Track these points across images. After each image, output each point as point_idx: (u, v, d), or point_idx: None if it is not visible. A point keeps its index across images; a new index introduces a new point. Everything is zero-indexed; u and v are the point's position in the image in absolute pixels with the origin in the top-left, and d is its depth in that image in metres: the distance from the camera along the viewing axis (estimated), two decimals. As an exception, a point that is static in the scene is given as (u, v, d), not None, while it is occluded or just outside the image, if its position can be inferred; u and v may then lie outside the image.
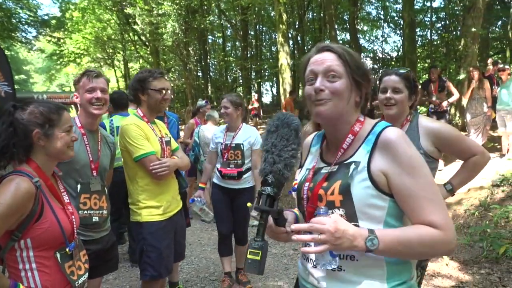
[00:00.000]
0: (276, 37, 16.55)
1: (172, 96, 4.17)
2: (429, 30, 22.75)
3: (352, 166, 1.42)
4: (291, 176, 1.48)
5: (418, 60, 19.71)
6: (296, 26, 24.69)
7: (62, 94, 20.38)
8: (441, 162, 7.30)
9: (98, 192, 2.74)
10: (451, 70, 15.50)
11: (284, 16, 15.55)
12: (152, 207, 3.01)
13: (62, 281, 1.93)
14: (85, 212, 2.61)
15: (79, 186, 2.63)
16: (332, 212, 1.41)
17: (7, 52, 26.26)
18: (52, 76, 43.96)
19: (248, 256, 1.38)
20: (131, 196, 3.07)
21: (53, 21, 26.82)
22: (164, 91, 3.08)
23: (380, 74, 2.74)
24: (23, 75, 47.34)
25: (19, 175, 1.83)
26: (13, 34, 23.70)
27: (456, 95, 8.17)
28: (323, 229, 1.27)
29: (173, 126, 4.43)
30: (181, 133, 7.94)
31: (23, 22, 24.80)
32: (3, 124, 1.89)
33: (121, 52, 29.38)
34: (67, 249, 1.94)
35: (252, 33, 27.45)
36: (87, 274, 2.12)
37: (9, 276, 1.87)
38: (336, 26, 20.34)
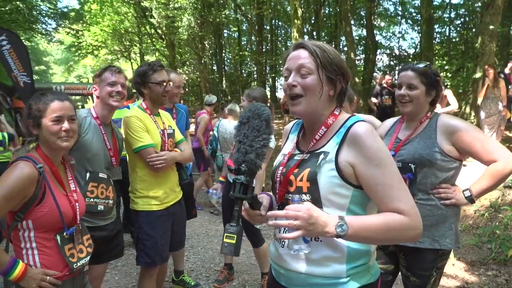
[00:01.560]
0: (291, 32, 16.47)
1: (182, 91, 4.20)
2: (447, 27, 22.40)
3: (321, 156, 1.54)
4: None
5: (436, 58, 19.45)
6: (312, 22, 24.55)
7: (79, 85, 20.69)
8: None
9: (105, 182, 2.83)
10: (469, 68, 15.24)
11: (300, 11, 15.47)
12: (149, 197, 3.09)
13: (61, 262, 2.01)
14: (91, 200, 2.71)
15: (88, 174, 2.72)
16: (302, 199, 1.52)
17: (27, 43, 26.81)
18: (71, 67, 44.61)
19: (225, 240, 1.48)
20: (131, 185, 3.17)
21: (72, 14, 27.18)
22: (164, 84, 3.15)
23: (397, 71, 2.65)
24: (43, 66, 48.01)
25: (25, 160, 1.94)
26: (33, 26, 24.08)
27: (452, 106, 7.81)
28: (298, 216, 1.35)
29: (181, 118, 4.46)
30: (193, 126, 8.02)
31: (44, 14, 25.18)
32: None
33: (138, 45, 29.58)
34: (64, 233, 2.02)
35: (268, 27, 27.37)
36: (88, 257, 2.19)
37: (16, 254, 1.99)
38: (352, 22, 20.20)
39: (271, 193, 1.80)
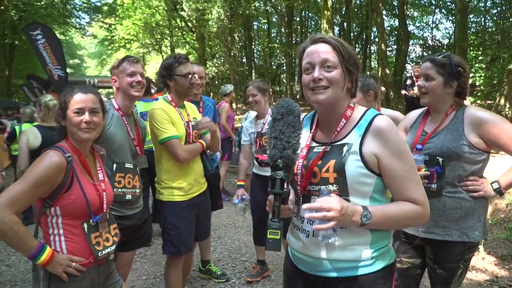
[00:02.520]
0: (321, 23, 16.32)
1: (204, 82, 4.19)
2: (483, 17, 21.63)
3: (346, 148, 1.61)
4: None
5: (471, 48, 18.83)
6: (343, 12, 24.21)
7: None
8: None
9: (132, 172, 2.89)
10: (505, 58, 14.72)
11: (330, 2, 15.34)
12: (173, 188, 3.15)
13: (87, 249, 2.08)
14: (119, 190, 2.77)
15: (114, 165, 2.79)
16: (330, 191, 1.59)
17: (62, 37, 27.61)
18: (104, 60, 45.53)
19: (269, 236, 1.54)
20: (157, 176, 3.23)
21: (105, 8, 27.83)
22: (190, 76, 3.18)
23: None
24: (77, 59, 49.22)
25: (54, 149, 2.04)
26: (68, 20, 24.79)
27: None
28: (331, 208, 1.45)
29: (209, 111, 4.50)
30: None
31: (77, 9, 25.89)
32: None
33: (169, 38, 29.94)
34: (90, 221, 2.10)
35: (298, 19, 27.19)
36: (114, 246, 2.24)
37: (44, 240, 2.07)
38: (384, 12, 19.81)
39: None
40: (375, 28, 19.93)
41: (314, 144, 1.75)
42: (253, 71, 27.22)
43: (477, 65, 16.18)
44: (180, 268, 3.34)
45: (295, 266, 1.80)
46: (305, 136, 1.78)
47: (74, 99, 2.14)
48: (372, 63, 27.65)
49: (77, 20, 26.86)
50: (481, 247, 4.85)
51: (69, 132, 2.16)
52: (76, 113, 2.12)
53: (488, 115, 2.31)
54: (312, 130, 1.80)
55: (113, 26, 29.09)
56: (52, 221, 2.04)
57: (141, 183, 3.00)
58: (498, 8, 21.27)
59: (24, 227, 1.92)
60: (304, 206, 1.52)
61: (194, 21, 22.69)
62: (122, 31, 28.54)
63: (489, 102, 12.84)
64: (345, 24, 25.21)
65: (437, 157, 2.32)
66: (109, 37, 31.02)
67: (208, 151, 3.48)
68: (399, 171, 1.56)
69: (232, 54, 23.76)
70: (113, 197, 2.34)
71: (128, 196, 2.83)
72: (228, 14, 20.65)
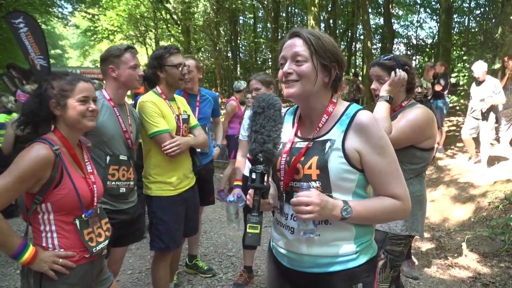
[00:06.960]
0: (308, 19, 16.34)
1: (196, 72, 4.06)
2: (467, 17, 22.00)
3: (328, 144, 1.60)
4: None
5: (454, 48, 19.13)
6: (329, 9, 24.28)
7: (95, 69, 20.86)
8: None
9: (126, 164, 2.79)
10: (488, 59, 14.97)
11: (316, -2, 15.33)
12: (162, 182, 3.08)
13: (80, 246, 2.02)
14: (113, 183, 2.68)
15: (108, 157, 2.68)
16: (310, 186, 1.59)
17: (44, 27, 26.98)
18: (86, 52, 44.79)
19: (248, 230, 1.53)
20: (144, 170, 3.14)
21: (89, -3, 27.29)
22: (181, 67, 3.10)
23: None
24: (58, 50, 48.30)
25: (41, 142, 1.93)
26: (50, 9, 24.24)
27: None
28: (311, 201, 1.47)
29: (206, 105, 4.32)
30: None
31: (60, -3, 25.33)
32: (34, 95, 2.05)
33: (153, 30, 29.67)
34: (83, 216, 2.03)
35: (284, 14, 27.18)
36: (107, 241, 2.18)
37: (34, 237, 2.00)
38: (370, 10, 19.93)
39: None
40: (361, 26, 20.07)
41: (297, 139, 1.74)
42: (238, 65, 27.17)
43: (460, 64, 16.45)
44: (168, 264, 3.28)
45: (278, 262, 1.80)
46: (288, 131, 1.79)
47: (78, 87, 2.06)
48: (357, 61, 27.86)
49: (59, 9, 26.29)
50: (463, 245, 4.94)
51: (67, 122, 2.06)
52: (82, 102, 2.05)
53: (411, 113, 2.45)
54: (295, 125, 1.80)
55: (96, 17, 28.60)
56: (44, 218, 1.96)
57: (135, 176, 2.90)
58: (482, 9, 21.67)
59: (7, 223, 1.84)
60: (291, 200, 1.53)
61: (180, 13, 22.51)
62: (106, 22, 28.14)
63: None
64: (331, 21, 25.31)
65: None
66: (92, 28, 30.48)
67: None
68: (380, 166, 1.57)
69: (217, 48, 23.69)
70: (107, 190, 2.30)
71: (122, 189, 2.74)
72: (214, 7, 20.54)
